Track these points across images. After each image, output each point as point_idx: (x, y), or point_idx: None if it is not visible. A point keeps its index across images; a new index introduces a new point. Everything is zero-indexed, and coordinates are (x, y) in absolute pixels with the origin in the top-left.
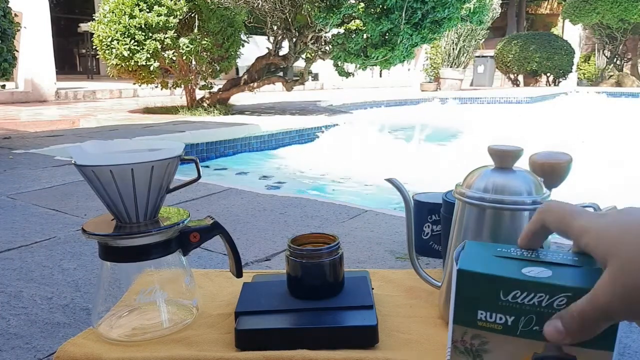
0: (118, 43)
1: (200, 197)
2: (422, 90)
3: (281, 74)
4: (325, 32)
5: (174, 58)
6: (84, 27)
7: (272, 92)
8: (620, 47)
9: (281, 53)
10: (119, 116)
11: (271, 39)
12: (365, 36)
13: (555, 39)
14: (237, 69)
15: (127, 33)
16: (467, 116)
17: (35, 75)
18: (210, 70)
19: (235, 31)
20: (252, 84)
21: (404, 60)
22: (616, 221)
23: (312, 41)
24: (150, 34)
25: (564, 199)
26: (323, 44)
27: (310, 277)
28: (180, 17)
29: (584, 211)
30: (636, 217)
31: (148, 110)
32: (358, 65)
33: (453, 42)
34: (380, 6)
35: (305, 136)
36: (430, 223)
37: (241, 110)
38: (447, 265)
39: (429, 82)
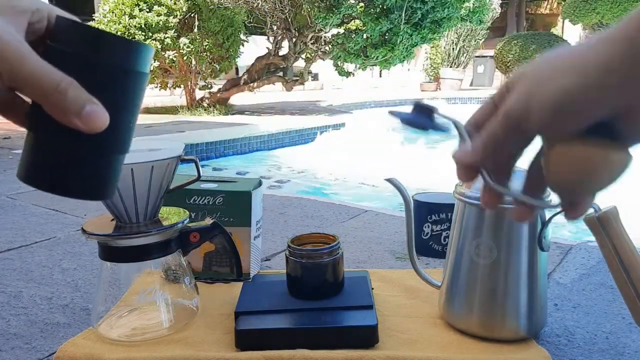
0: None
1: None
2: (422, 90)
3: (281, 74)
4: (325, 32)
5: (174, 58)
6: None
7: (272, 92)
8: None
9: (281, 53)
10: None
11: (271, 39)
12: (365, 36)
13: (555, 39)
14: (237, 69)
15: (127, 33)
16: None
17: None
18: (210, 70)
19: (235, 31)
20: (252, 84)
21: (403, 60)
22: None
23: (312, 41)
24: (150, 34)
25: None
26: (323, 44)
27: (310, 277)
28: (180, 17)
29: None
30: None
31: (148, 111)
32: (358, 65)
33: (453, 42)
34: (380, 6)
35: (305, 136)
36: (430, 223)
37: (241, 110)
38: (447, 265)
39: (429, 82)
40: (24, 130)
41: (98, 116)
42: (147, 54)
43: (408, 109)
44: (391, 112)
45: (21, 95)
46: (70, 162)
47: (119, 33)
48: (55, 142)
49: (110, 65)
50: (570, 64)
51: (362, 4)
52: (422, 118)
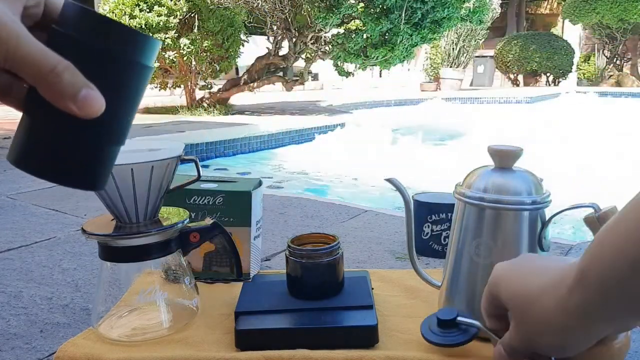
0: None
1: None
2: (422, 90)
3: (281, 74)
4: (325, 32)
5: (174, 59)
6: None
7: (272, 92)
8: (620, 47)
9: (281, 53)
10: None
11: (271, 39)
12: (365, 36)
13: (555, 39)
14: (237, 69)
15: None
16: (466, 116)
17: None
18: (210, 70)
19: (235, 31)
20: (252, 84)
21: (403, 60)
22: (510, 274)
23: (312, 41)
24: (151, 35)
25: (564, 200)
26: (323, 44)
27: (310, 277)
28: (180, 17)
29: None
30: (520, 269)
31: (148, 111)
32: (358, 65)
33: (453, 42)
34: (380, 6)
35: (305, 136)
36: (430, 223)
37: (241, 110)
38: (447, 265)
39: (429, 82)
40: None
41: (94, 101)
42: (153, 47)
43: (432, 323)
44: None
45: (19, 80)
46: (63, 148)
47: None
48: (48, 127)
49: (114, 54)
50: (551, 323)
51: (362, 4)
52: (451, 336)
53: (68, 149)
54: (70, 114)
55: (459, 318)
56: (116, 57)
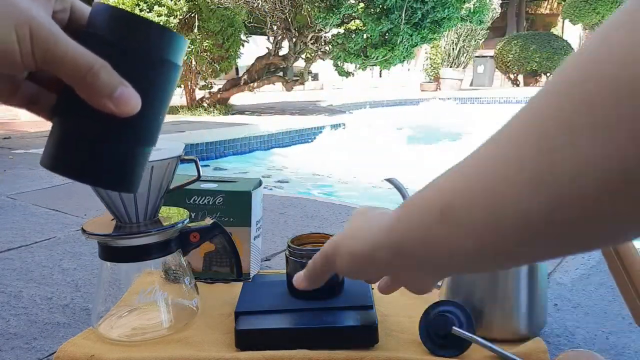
0: None
1: None
2: (422, 90)
3: (281, 74)
4: (325, 32)
5: None
6: None
7: (272, 92)
8: None
9: (281, 53)
10: None
11: (271, 39)
12: (365, 36)
13: (555, 39)
14: (237, 69)
15: None
16: (466, 116)
17: None
18: (210, 70)
19: (236, 31)
20: (252, 84)
21: (404, 60)
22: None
23: (312, 41)
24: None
25: None
26: (323, 44)
27: None
28: (180, 17)
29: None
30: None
31: None
32: (358, 65)
33: (453, 42)
34: (380, 6)
35: (305, 136)
36: None
37: (241, 110)
38: None
39: (429, 82)
40: (24, 130)
41: (130, 99)
42: (181, 44)
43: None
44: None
45: (45, 89)
46: (99, 150)
47: None
48: (83, 130)
49: (144, 52)
50: (364, 233)
51: (362, 4)
52: (447, 349)
53: (104, 151)
54: (104, 114)
55: (454, 329)
56: (146, 56)
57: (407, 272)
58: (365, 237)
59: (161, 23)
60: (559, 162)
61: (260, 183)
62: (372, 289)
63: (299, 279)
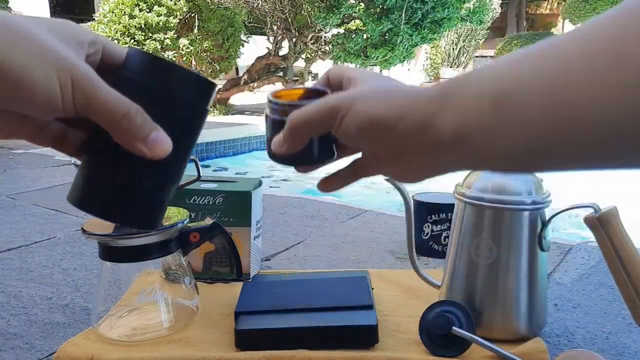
0: (118, 43)
1: None
2: None
3: (281, 74)
4: (325, 32)
5: (174, 59)
6: (84, 27)
7: None
8: None
9: (281, 53)
10: None
11: (271, 39)
12: (365, 36)
13: None
14: (237, 69)
15: (127, 33)
16: None
17: None
18: (210, 70)
19: (235, 31)
20: (252, 84)
21: (404, 60)
22: (369, 95)
23: (312, 41)
24: (150, 34)
25: (564, 200)
26: (323, 44)
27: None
28: (180, 17)
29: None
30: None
31: None
32: (358, 66)
33: (453, 42)
34: (380, 6)
35: None
36: (430, 223)
37: (241, 110)
38: (447, 265)
39: (429, 82)
40: None
41: (162, 143)
42: (212, 92)
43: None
44: None
45: (73, 128)
46: (127, 190)
47: (118, 33)
48: (111, 170)
49: (177, 98)
50: (391, 96)
51: (362, 4)
52: (448, 348)
53: (132, 192)
54: (134, 157)
55: (454, 329)
56: (179, 101)
57: (417, 155)
58: (391, 101)
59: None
60: (632, 68)
61: (260, 183)
62: (372, 289)
63: (280, 141)
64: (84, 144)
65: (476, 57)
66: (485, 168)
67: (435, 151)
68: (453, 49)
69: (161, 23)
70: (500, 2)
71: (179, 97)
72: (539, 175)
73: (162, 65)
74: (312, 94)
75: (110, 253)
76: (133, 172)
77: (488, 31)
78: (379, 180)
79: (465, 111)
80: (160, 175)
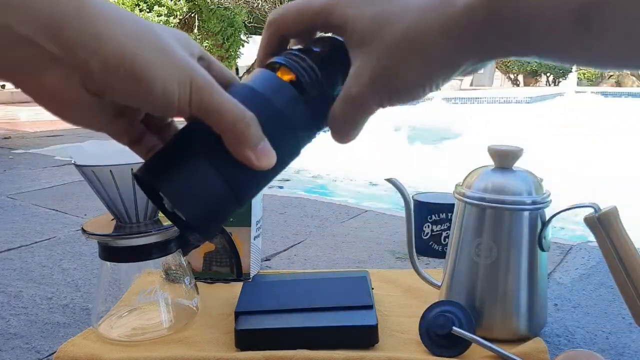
0: None
1: None
2: None
3: None
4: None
5: None
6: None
7: None
8: None
9: None
10: None
11: None
12: None
13: None
14: (237, 69)
15: None
16: (467, 116)
17: None
18: None
19: (236, 31)
20: None
21: None
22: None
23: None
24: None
25: (564, 200)
26: None
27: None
28: (180, 17)
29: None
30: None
31: None
32: None
33: None
34: None
35: None
36: (430, 223)
37: None
38: (447, 265)
39: None
40: (24, 130)
41: (270, 154)
42: (320, 130)
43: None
44: None
45: (150, 131)
46: (208, 194)
47: None
48: (205, 176)
49: (288, 117)
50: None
51: None
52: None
53: (216, 202)
54: (231, 167)
55: (454, 329)
56: (289, 120)
57: (435, 37)
58: (421, 11)
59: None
60: None
61: None
62: (372, 289)
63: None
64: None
65: None
66: (525, 50)
67: (458, 23)
68: None
69: (161, 23)
70: None
71: (288, 115)
72: (539, 174)
73: (280, 80)
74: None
75: (110, 253)
76: (222, 182)
77: None
78: (379, 180)
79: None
80: (244, 188)
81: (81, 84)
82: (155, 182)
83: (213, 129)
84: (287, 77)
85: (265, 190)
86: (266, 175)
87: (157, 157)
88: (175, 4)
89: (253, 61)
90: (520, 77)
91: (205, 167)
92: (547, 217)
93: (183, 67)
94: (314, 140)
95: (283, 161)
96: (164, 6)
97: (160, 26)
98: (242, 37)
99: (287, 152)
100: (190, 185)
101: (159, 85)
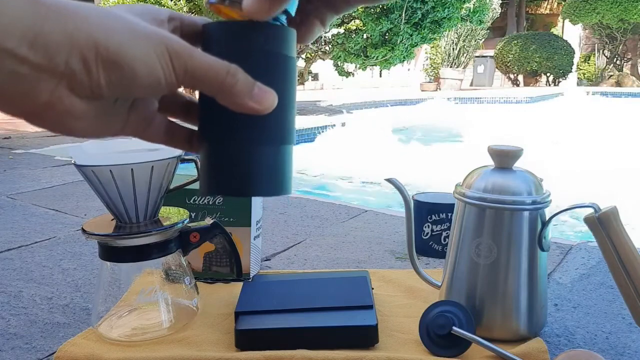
0: None
1: None
2: (422, 90)
3: None
4: (325, 32)
5: None
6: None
7: None
8: (620, 47)
9: None
10: None
11: None
12: (365, 36)
13: (555, 39)
14: None
15: None
16: (467, 116)
17: None
18: None
19: None
20: None
21: (404, 60)
22: None
23: (312, 41)
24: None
25: (564, 200)
26: (323, 43)
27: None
28: None
29: None
30: None
31: None
32: (358, 65)
33: (453, 42)
34: (380, 6)
35: (305, 136)
36: (430, 223)
37: None
38: (447, 265)
39: (429, 82)
40: (24, 130)
41: (267, 93)
42: (292, 37)
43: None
44: None
45: (177, 125)
46: (250, 159)
47: None
48: (230, 146)
49: (262, 52)
50: None
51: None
52: (447, 348)
53: (256, 160)
54: (247, 123)
55: (454, 329)
56: (265, 54)
57: None
58: None
59: None
60: None
61: None
62: (372, 289)
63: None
64: (200, 131)
65: (476, 57)
66: None
67: None
68: (453, 48)
69: None
70: (500, 2)
71: (264, 51)
72: (539, 174)
73: (242, 25)
74: None
75: (110, 253)
76: (247, 139)
77: (488, 31)
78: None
79: None
80: (275, 135)
81: (70, 90)
82: (238, 193)
83: (208, 95)
84: (236, 14)
85: None
86: (285, 106)
87: (212, 166)
88: (176, 4)
89: None
90: (520, 77)
91: (254, 146)
92: (547, 217)
93: (154, 38)
94: (295, 48)
95: (285, 88)
96: (164, 6)
97: (120, 7)
98: None
99: (281, 79)
100: (262, 172)
101: (139, 64)
